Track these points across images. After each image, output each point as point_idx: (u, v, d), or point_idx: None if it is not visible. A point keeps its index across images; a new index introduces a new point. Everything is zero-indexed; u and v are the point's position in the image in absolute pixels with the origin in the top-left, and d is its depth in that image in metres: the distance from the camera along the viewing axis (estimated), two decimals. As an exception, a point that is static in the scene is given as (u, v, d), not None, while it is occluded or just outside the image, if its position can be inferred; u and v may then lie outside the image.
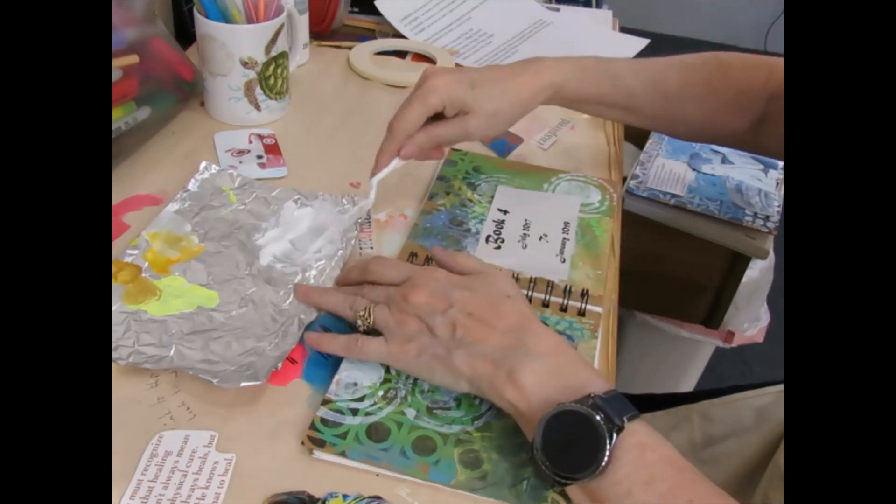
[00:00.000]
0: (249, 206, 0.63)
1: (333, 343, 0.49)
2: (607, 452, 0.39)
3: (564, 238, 0.62)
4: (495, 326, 0.45)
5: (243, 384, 0.46)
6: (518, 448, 0.44)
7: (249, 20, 0.71)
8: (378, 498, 0.41)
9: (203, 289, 0.54)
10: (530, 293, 0.56)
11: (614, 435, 0.39)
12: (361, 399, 0.47)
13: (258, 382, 0.46)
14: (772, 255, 0.92)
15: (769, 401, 0.66)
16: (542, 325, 0.46)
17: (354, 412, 0.46)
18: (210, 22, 0.70)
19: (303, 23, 0.86)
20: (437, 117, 0.61)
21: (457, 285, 0.48)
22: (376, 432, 0.45)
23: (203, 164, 0.66)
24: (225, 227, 0.60)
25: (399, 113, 0.60)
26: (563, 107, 0.68)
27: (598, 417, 0.39)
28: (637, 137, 1.03)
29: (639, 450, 0.40)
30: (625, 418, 0.40)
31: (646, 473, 0.39)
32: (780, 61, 0.65)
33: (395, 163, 0.61)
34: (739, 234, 0.79)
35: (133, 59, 0.64)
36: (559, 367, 0.43)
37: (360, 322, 0.49)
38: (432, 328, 0.46)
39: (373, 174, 0.61)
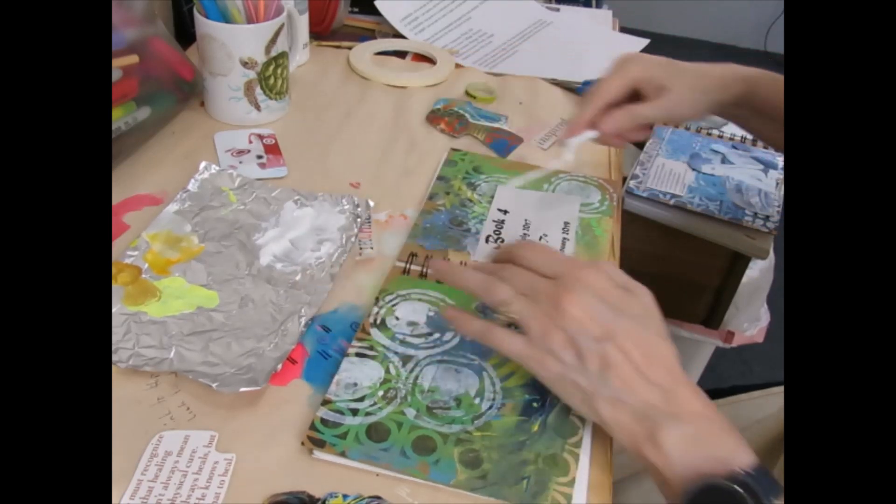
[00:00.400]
0: (249, 206, 0.63)
1: (469, 326, 0.46)
2: None
3: (564, 238, 0.62)
4: (646, 378, 0.41)
5: (242, 389, 0.46)
6: (518, 447, 0.44)
7: (249, 20, 0.71)
8: (378, 498, 0.41)
9: (203, 289, 0.54)
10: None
11: None
12: (361, 399, 0.47)
13: (257, 388, 0.46)
14: (772, 255, 0.92)
15: (769, 403, 0.66)
16: (690, 382, 0.42)
17: (354, 412, 0.46)
18: (210, 22, 0.70)
19: (303, 23, 0.86)
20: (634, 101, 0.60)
21: (614, 306, 0.43)
22: (376, 432, 0.45)
23: (203, 164, 0.66)
24: (225, 228, 0.60)
25: (598, 83, 0.59)
26: (744, 119, 0.66)
27: (748, 499, 0.37)
28: (637, 137, 1.03)
29: None
30: (772, 498, 0.37)
31: None
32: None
33: (592, 134, 0.61)
34: (739, 234, 0.79)
35: (133, 59, 0.64)
36: (705, 435, 0.40)
37: (499, 315, 0.45)
38: (581, 354, 0.42)
39: (564, 137, 0.61)
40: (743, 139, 0.94)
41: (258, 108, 0.75)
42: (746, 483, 0.37)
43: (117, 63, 0.63)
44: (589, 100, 0.60)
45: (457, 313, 0.47)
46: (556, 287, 0.43)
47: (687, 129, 0.96)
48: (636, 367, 0.41)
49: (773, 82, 0.64)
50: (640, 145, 0.96)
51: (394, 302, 0.54)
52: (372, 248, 0.61)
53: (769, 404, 0.66)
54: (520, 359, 0.44)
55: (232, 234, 0.59)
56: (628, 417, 0.41)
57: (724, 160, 0.90)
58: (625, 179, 0.86)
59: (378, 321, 0.52)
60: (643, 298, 0.45)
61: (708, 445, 0.40)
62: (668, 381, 0.42)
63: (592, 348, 0.42)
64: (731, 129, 0.96)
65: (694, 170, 0.88)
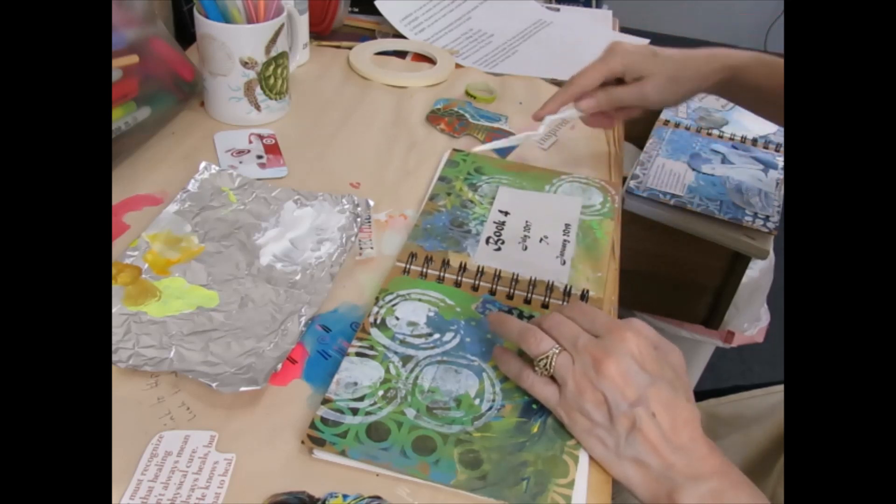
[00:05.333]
0: (249, 206, 0.63)
1: (509, 364, 0.48)
2: None
3: (565, 240, 0.62)
4: (670, 442, 0.43)
5: (242, 389, 0.46)
6: (518, 448, 0.45)
7: (249, 20, 0.71)
8: (378, 498, 0.41)
9: (203, 289, 0.54)
10: (530, 295, 0.56)
11: None
12: (361, 399, 0.47)
13: (257, 387, 0.46)
14: (772, 255, 0.92)
15: (772, 401, 0.66)
16: (709, 441, 0.43)
17: (354, 412, 0.46)
18: (210, 22, 0.70)
19: (303, 23, 0.86)
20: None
21: (650, 371, 0.44)
22: (376, 432, 0.45)
23: (203, 165, 0.66)
24: (225, 228, 0.60)
25: (580, 71, 0.64)
26: (731, 99, 0.71)
27: None
28: (637, 137, 1.03)
29: None
30: None
31: None
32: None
33: (571, 112, 0.66)
34: (739, 234, 0.79)
35: (133, 59, 0.64)
36: (721, 493, 0.41)
37: (537, 368, 0.46)
38: (612, 416, 0.43)
39: (540, 113, 0.66)
40: (743, 139, 0.94)
41: (258, 108, 0.75)
42: None
43: (117, 63, 0.63)
44: (567, 85, 0.65)
45: (500, 352, 0.49)
46: (598, 347, 0.45)
47: (687, 129, 0.96)
48: (662, 431, 0.43)
49: (762, 67, 0.67)
50: (641, 145, 0.96)
51: (394, 302, 0.54)
52: (372, 247, 0.61)
53: (769, 404, 0.66)
54: (549, 406, 0.46)
55: (232, 234, 0.59)
56: (648, 478, 0.43)
57: (724, 160, 0.90)
58: (625, 179, 0.86)
59: (378, 321, 0.52)
60: (674, 358, 0.46)
61: (725, 499, 0.41)
62: (689, 444, 0.43)
63: (624, 411, 0.43)
64: (731, 129, 0.96)
65: (694, 170, 0.88)
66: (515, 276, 0.57)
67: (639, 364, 0.44)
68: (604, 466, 0.45)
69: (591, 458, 0.45)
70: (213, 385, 0.46)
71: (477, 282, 0.57)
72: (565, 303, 0.55)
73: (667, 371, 0.45)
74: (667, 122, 0.95)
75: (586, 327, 0.46)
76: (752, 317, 1.06)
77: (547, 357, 0.45)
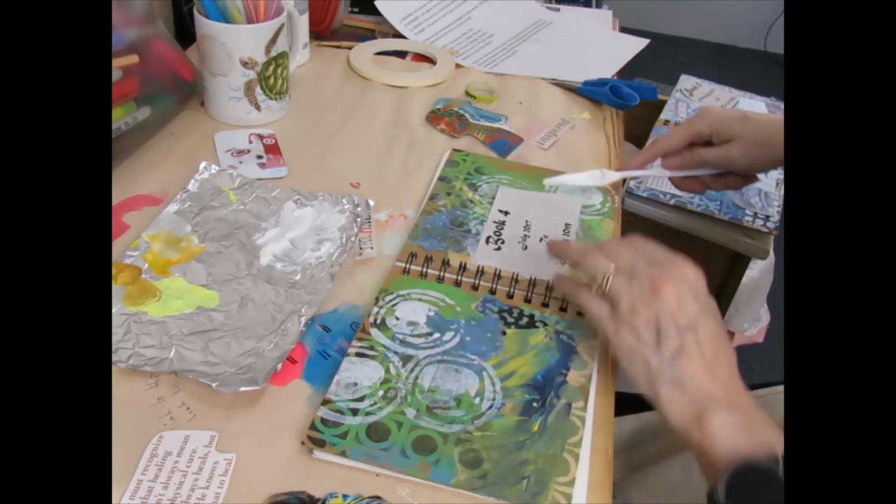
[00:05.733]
0: (249, 206, 0.63)
1: (566, 285, 0.52)
2: None
3: (565, 240, 0.62)
4: (711, 371, 0.45)
5: (242, 389, 0.46)
6: (518, 447, 0.45)
7: (249, 20, 0.71)
8: (378, 498, 0.41)
9: (203, 289, 0.54)
10: (530, 294, 0.56)
11: None
12: (361, 399, 0.47)
13: (257, 387, 0.46)
14: (772, 255, 0.92)
15: (771, 401, 0.66)
16: (742, 382, 0.45)
17: (354, 412, 0.46)
18: (210, 22, 0.70)
19: (303, 23, 0.86)
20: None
21: (702, 303, 0.46)
22: (376, 432, 0.45)
23: (203, 165, 0.66)
24: (225, 228, 0.60)
25: (667, 132, 0.64)
26: None
27: (783, 480, 0.38)
28: (637, 137, 1.03)
29: None
30: None
31: None
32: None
33: (656, 170, 0.67)
34: (739, 234, 0.79)
35: (133, 59, 0.64)
36: (751, 425, 0.43)
37: (595, 285, 0.49)
38: (661, 337, 0.45)
39: (624, 168, 0.67)
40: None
41: (258, 108, 0.75)
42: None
43: (117, 63, 0.63)
44: (653, 142, 0.66)
45: (557, 276, 0.54)
46: (658, 271, 0.47)
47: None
48: (706, 361, 0.45)
49: None
50: (641, 145, 0.96)
51: (394, 302, 0.54)
52: (372, 247, 0.61)
53: (769, 404, 0.66)
54: (600, 323, 0.49)
55: (232, 234, 0.59)
56: (683, 400, 0.44)
57: (724, 160, 0.90)
58: (624, 179, 0.86)
59: (378, 321, 0.52)
60: (714, 311, 0.48)
61: (753, 433, 0.42)
62: (727, 378, 0.45)
63: (672, 334, 0.45)
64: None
65: (694, 170, 0.88)
66: (515, 276, 0.57)
67: (693, 294, 0.46)
68: (641, 385, 0.46)
69: (590, 457, 0.45)
70: (213, 385, 0.46)
71: (477, 281, 0.57)
72: (565, 302, 0.55)
73: (715, 310, 0.47)
74: (667, 122, 0.95)
75: (644, 256, 0.49)
76: (752, 317, 1.06)
77: (605, 278, 0.48)
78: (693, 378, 0.44)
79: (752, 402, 0.44)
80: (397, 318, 0.53)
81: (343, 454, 0.43)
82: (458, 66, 0.93)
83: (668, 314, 0.45)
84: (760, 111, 0.91)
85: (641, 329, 0.46)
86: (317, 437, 0.44)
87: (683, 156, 0.65)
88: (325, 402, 0.46)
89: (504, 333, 0.53)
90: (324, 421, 0.45)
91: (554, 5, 1.13)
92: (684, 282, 0.46)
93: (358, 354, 0.50)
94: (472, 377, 0.49)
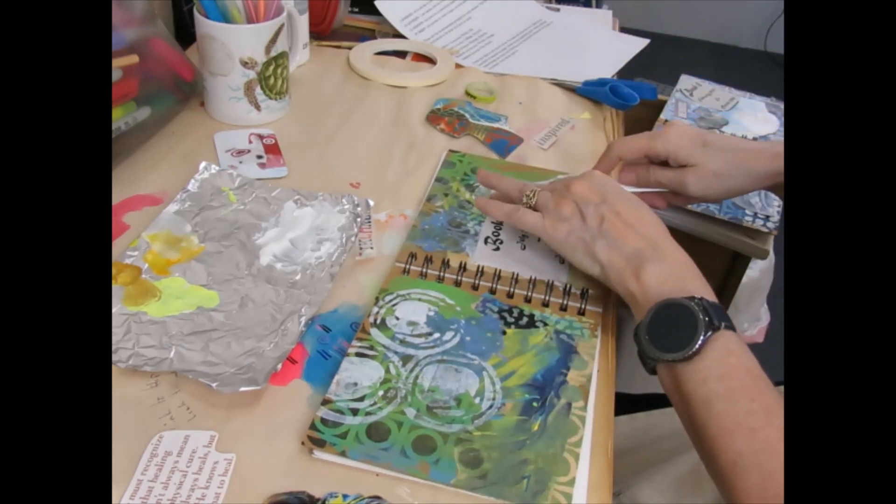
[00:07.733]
0: (249, 206, 0.63)
1: (498, 209, 0.58)
2: (699, 342, 0.44)
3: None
4: (636, 230, 0.51)
5: (242, 389, 0.46)
6: (518, 446, 0.45)
7: (249, 20, 0.71)
8: (378, 498, 0.41)
9: (203, 289, 0.54)
10: (530, 294, 0.56)
11: (709, 332, 0.44)
12: (361, 399, 0.47)
13: (257, 387, 0.46)
14: (772, 255, 0.92)
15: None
16: (674, 241, 0.51)
17: (354, 412, 0.46)
18: (210, 22, 0.70)
19: (303, 23, 0.86)
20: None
21: (613, 187, 0.55)
22: (376, 432, 0.45)
23: (203, 165, 0.66)
24: (225, 228, 0.60)
25: (623, 137, 0.65)
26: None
27: (700, 315, 0.44)
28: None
29: (724, 351, 0.44)
30: (723, 324, 0.44)
31: (723, 370, 0.43)
32: None
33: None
34: (739, 234, 0.79)
35: (133, 59, 0.64)
36: (679, 275, 0.49)
37: (524, 200, 0.57)
38: (584, 215, 0.53)
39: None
40: (743, 139, 0.94)
41: (258, 108, 0.75)
42: (702, 305, 0.45)
43: (117, 63, 0.63)
44: (605, 152, 0.66)
45: (486, 201, 0.59)
46: (570, 179, 0.56)
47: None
48: (627, 222, 0.52)
49: None
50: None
51: (394, 302, 0.54)
52: (372, 247, 0.61)
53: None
54: (539, 231, 0.56)
55: (232, 234, 0.59)
56: (620, 258, 0.51)
57: (724, 160, 0.90)
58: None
59: (378, 321, 0.52)
60: (631, 194, 0.55)
61: (680, 281, 0.49)
62: (654, 235, 0.51)
63: (592, 210, 0.53)
64: (732, 129, 0.96)
65: (694, 170, 0.88)
66: (515, 276, 0.57)
67: (603, 182, 0.55)
68: (585, 264, 0.54)
69: (590, 457, 0.45)
70: (213, 385, 0.46)
71: (477, 281, 0.57)
72: (566, 301, 0.55)
73: (629, 194, 0.55)
74: (666, 122, 0.95)
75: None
76: (752, 317, 1.06)
77: (532, 192, 0.57)
78: (621, 238, 0.51)
79: (683, 257, 0.50)
80: (397, 318, 0.53)
81: (343, 454, 0.43)
82: (458, 66, 0.93)
83: (582, 198, 0.54)
84: (760, 111, 0.91)
85: (568, 216, 0.54)
86: (317, 437, 0.44)
87: (639, 172, 0.65)
88: (325, 402, 0.46)
89: (504, 333, 0.53)
90: (324, 421, 0.45)
91: (554, 5, 1.13)
92: (594, 176, 0.55)
93: (358, 354, 0.50)
94: (472, 377, 0.49)
